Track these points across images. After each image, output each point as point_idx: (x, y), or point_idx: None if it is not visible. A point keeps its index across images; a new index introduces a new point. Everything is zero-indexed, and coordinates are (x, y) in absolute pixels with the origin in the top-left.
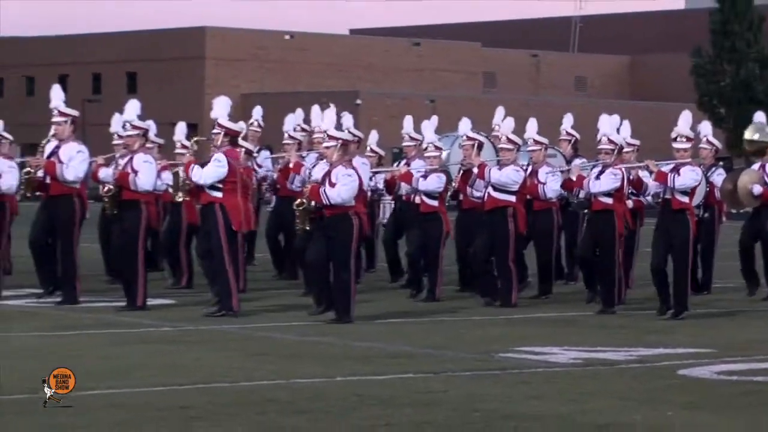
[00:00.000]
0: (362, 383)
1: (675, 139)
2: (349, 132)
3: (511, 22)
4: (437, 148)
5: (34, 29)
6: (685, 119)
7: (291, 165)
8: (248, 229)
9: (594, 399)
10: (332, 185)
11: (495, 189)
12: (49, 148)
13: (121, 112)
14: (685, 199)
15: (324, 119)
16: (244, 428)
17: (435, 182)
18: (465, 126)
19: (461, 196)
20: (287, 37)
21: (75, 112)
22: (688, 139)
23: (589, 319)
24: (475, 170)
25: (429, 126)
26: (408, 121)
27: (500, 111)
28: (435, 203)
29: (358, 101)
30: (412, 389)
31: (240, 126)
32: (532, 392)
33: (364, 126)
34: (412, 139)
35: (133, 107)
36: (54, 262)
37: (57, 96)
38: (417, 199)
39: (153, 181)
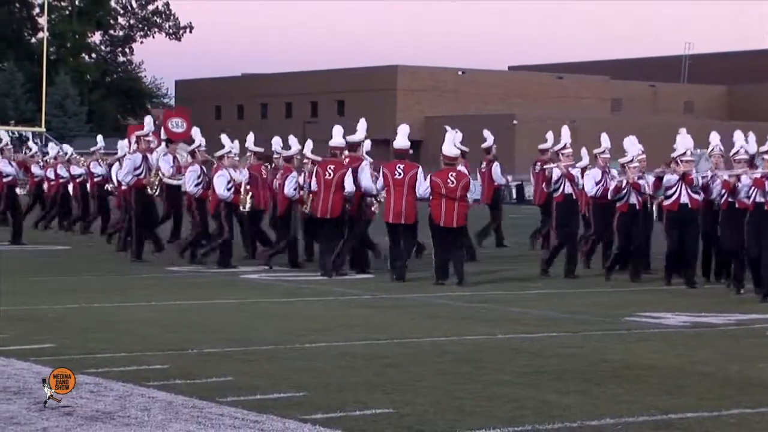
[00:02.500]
0: (517, 340)
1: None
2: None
3: (634, 59)
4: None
5: (270, 67)
6: None
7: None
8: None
9: (699, 353)
10: None
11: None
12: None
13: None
14: None
15: (446, 140)
16: (426, 372)
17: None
18: (605, 142)
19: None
20: (460, 72)
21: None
22: None
23: (697, 291)
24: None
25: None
26: (337, 130)
27: (683, 133)
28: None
29: (515, 122)
30: (556, 344)
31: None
32: (649, 348)
33: (518, 140)
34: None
35: (338, 131)
36: None
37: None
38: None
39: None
